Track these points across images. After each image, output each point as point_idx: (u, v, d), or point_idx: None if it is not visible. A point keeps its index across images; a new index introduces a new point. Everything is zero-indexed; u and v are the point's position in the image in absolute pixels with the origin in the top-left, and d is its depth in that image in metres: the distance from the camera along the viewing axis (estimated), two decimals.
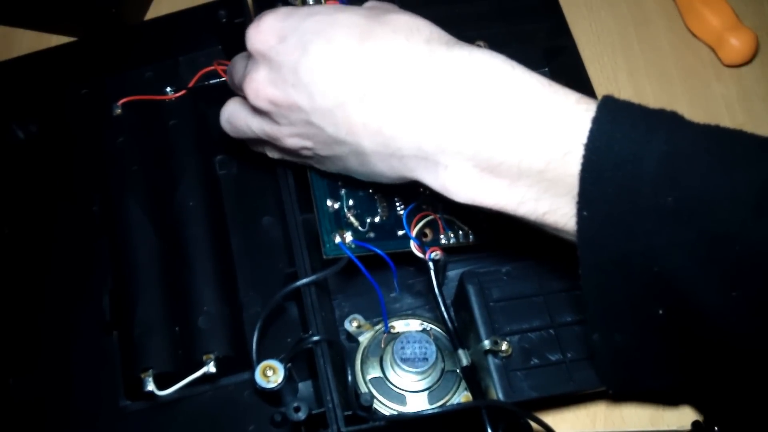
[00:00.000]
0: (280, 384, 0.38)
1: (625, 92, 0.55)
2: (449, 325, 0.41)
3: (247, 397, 0.41)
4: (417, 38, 0.34)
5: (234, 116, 0.39)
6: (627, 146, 0.29)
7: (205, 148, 0.48)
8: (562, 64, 0.51)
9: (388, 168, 0.35)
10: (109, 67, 0.50)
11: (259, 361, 0.39)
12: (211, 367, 0.40)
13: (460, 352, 0.41)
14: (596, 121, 0.30)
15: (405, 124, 0.33)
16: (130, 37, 0.51)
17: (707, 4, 0.55)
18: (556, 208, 0.31)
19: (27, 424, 0.42)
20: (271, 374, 0.38)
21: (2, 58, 0.50)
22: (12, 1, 0.54)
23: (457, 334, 0.41)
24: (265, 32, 0.35)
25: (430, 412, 0.38)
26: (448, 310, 0.41)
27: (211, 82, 0.49)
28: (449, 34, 0.35)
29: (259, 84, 0.36)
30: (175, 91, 0.49)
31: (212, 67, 0.48)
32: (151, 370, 0.40)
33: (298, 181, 0.43)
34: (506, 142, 0.31)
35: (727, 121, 0.53)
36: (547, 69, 0.52)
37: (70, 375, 0.43)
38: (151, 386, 0.40)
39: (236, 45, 0.49)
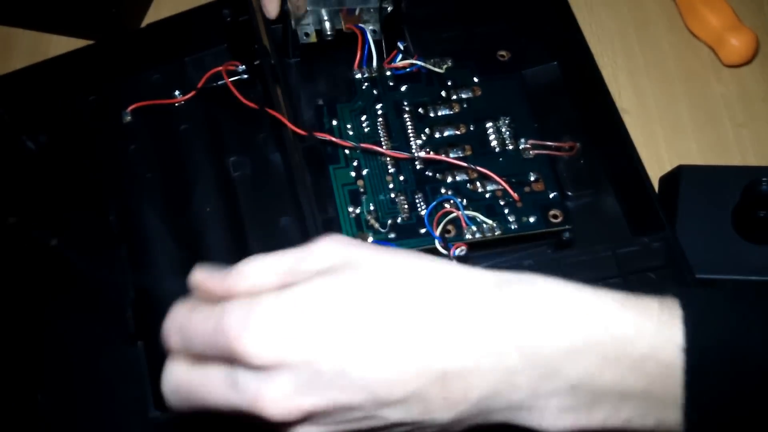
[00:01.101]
0: None
1: (625, 92, 0.55)
2: None
3: None
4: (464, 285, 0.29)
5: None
6: (726, 336, 0.29)
7: (218, 150, 0.47)
8: (571, 58, 0.51)
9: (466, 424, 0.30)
10: (116, 73, 0.49)
11: None
12: None
13: None
14: (687, 322, 0.29)
15: (492, 383, 0.28)
16: (135, 40, 0.50)
17: (707, 4, 0.55)
18: (664, 417, 0.29)
19: None
20: None
21: (2, 57, 0.49)
22: (12, 1, 0.53)
23: None
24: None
25: None
26: None
27: (219, 83, 0.48)
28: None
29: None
30: (184, 94, 0.48)
31: (220, 68, 0.48)
32: None
33: (315, 180, 0.43)
34: (602, 372, 0.29)
35: (726, 121, 0.54)
36: (556, 63, 0.52)
37: (98, 386, 0.42)
38: None
39: (241, 43, 0.49)
